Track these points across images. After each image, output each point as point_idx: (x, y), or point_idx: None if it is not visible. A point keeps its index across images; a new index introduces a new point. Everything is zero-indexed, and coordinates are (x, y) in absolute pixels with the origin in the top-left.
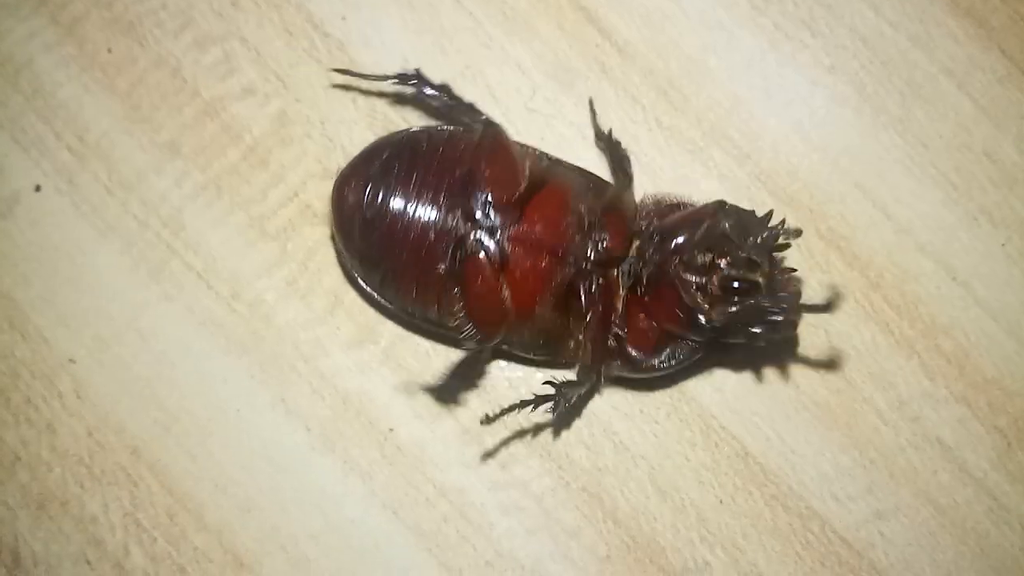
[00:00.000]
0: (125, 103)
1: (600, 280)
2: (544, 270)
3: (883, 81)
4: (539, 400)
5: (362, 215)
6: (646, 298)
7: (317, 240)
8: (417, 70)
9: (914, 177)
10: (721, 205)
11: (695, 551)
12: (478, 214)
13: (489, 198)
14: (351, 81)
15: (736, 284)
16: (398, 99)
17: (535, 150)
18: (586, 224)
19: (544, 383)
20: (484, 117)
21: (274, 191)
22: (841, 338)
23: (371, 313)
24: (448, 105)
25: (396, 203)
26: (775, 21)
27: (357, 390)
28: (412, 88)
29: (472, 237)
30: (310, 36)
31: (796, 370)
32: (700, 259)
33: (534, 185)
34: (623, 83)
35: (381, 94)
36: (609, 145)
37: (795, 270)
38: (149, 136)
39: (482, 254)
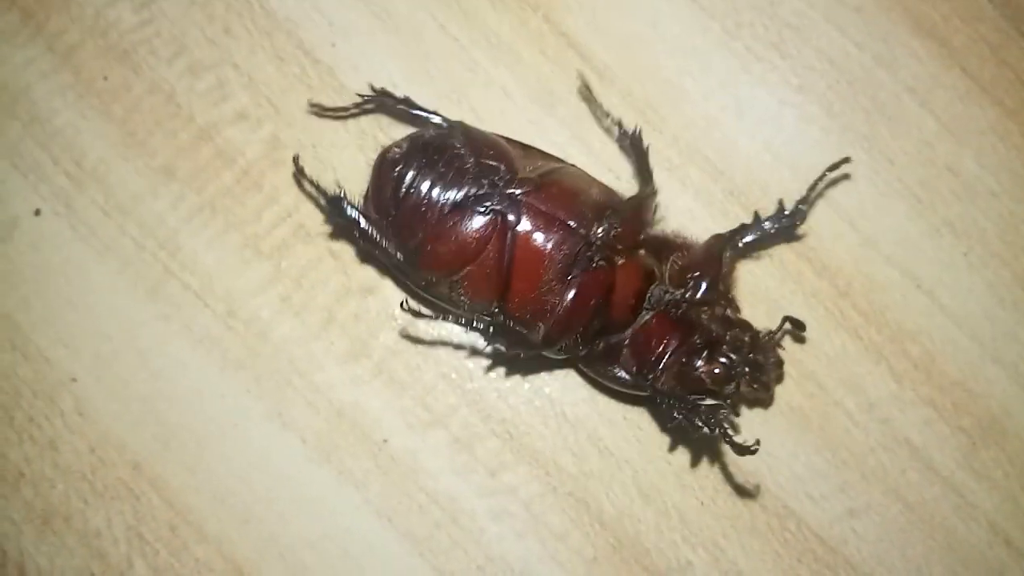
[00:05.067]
0: (121, 129)
1: (601, 261)
2: (555, 239)
3: (849, 100)
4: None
5: (399, 191)
6: (667, 323)
7: (311, 258)
8: (382, 88)
9: (880, 191)
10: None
11: (678, 552)
12: (499, 182)
13: (509, 171)
14: (337, 106)
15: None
16: (385, 121)
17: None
18: (599, 206)
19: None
20: (442, 119)
21: (268, 212)
22: (813, 345)
23: (364, 328)
24: (414, 115)
25: (426, 184)
26: (747, 44)
27: (351, 403)
28: (378, 103)
29: (493, 201)
30: (301, 62)
31: None
32: (719, 310)
33: (550, 170)
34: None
35: (369, 117)
36: (634, 147)
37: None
38: (145, 160)
39: (503, 215)
